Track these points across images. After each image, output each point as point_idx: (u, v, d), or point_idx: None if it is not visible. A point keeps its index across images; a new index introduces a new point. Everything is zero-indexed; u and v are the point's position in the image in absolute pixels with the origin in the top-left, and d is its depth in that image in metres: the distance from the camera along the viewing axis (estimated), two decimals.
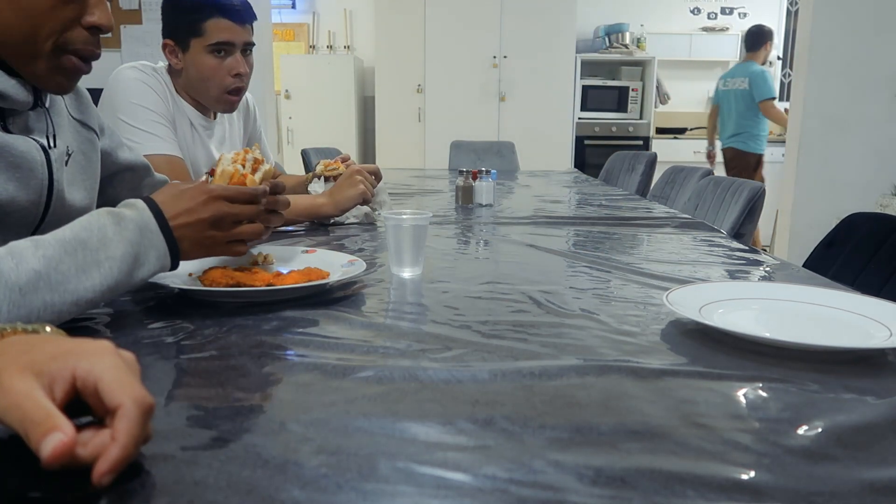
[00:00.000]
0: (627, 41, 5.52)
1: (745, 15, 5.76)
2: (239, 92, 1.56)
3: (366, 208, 1.52)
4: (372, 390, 0.59)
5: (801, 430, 0.51)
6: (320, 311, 0.82)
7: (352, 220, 1.51)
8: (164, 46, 1.52)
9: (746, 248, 1.34)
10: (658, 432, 0.51)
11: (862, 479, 0.44)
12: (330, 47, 5.72)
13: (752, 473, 0.45)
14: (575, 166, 4.92)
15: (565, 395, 0.59)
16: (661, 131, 5.55)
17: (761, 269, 1.16)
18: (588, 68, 5.41)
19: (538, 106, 5.01)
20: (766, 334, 0.68)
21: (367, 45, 5.54)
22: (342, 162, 1.59)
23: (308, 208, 1.43)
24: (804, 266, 1.20)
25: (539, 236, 1.42)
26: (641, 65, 5.51)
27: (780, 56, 5.61)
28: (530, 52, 4.93)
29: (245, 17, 1.50)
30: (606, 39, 5.53)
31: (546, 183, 2.76)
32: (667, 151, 5.33)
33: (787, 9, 5.60)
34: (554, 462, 0.46)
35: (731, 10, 5.77)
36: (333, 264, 0.98)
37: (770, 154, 4.75)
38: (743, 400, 0.58)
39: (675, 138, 5.50)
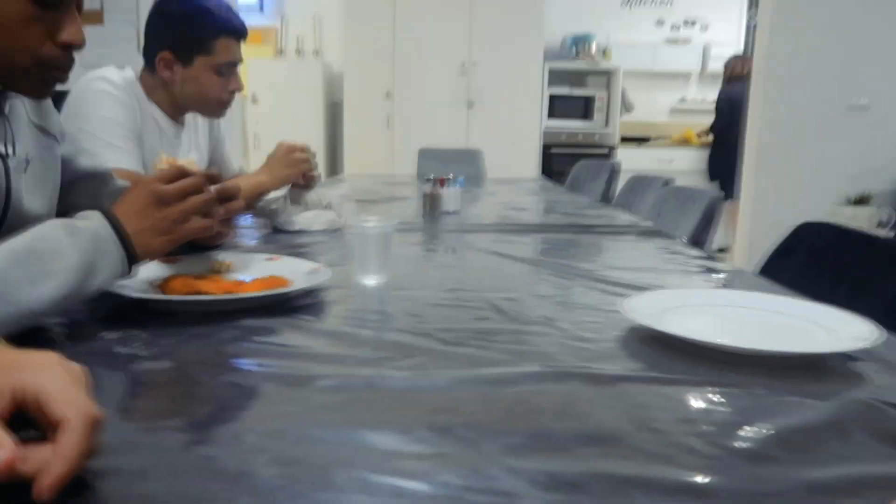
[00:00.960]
0: (594, 51, 5.61)
1: (706, 27, 5.89)
2: (230, 102, 1.57)
3: (331, 214, 1.52)
4: (330, 400, 0.59)
5: (747, 433, 0.53)
6: (281, 320, 0.82)
7: (317, 227, 1.50)
8: (160, 59, 1.48)
9: (705, 255, 1.37)
10: (612, 437, 0.52)
11: (802, 480, 0.45)
12: (298, 52, 5.69)
13: (700, 476, 0.46)
14: (542, 174, 4.96)
15: (523, 402, 0.60)
16: (625, 140, 5.63)
17: (719, 276, 1.18)
18: (555, 77, 5.47)
19: (506, 113, 5.05)
20: (719, 340, 0.70)
21: (335, 51, 5.52)
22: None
23: (253, 188, 1.49)
24: (759, 273, 1.23)
25: (505, 244, 1.43)
26: (607, 74, 5.59)
27: None
28: (499, 60, 4.97)
29: (246, 35, 1.51)
30: (574, 48, 5.61)
31: (512, 190, 2.78)
32: (631, 160, 5.41)
33: (747, 24, 5.75)
34: (509, 468, 0.46)
35: (694, 23, 5.89)
36: (296, 272, 0.97)
37: None
38: (694, 405, 0.59)
39: (640, 147, 5.59)
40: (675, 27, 5.88)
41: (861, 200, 3.37)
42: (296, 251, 1.27)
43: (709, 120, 5.71)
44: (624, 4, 5.84)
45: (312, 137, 5.20)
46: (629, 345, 0.76)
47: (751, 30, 5.60)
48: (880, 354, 0.70)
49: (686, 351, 0.71)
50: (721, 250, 5.27)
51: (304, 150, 1.58)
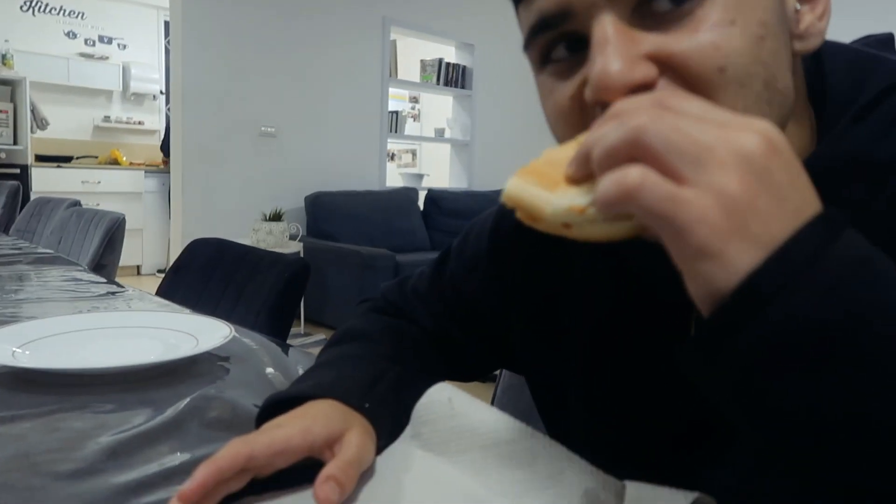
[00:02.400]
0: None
1: (124, 46, 5.77)
2: None
3: None
4: None
5: (81, 453, 0.52)
6: None
7: None
8: None
9: (104, 280, 1.33)
10: None
11: (117, 485, 0.47)
12: None
13: None
14: None
15: None
16: (42, 159, 5.06)
17: (118, 299, 1.16)
18: None
19: None
20: (67, 365, 0.68)
21: None
22: None
23: None
24: (157, 293, 1.26)
25: None
26: (11, 84, 4.92)
27: (163, 90, 5.82)
28: None
29: None
30: None
31: None
32: (49, 180, 4.91)
33: (165, 46, 5.87)
34: None
35: (111, 40, 5.70)
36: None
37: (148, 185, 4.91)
38: (31, 438, 0.56)
39: (59, 167, 5.10)
40: (89, 42, 5.57)
41: (275, 217, 3.83)
42: None
43: (138, 140, 5.63)
44: (26, 9, 5.22)
45: None
46: None
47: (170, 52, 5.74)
48: (231, 350, 0.80)
49: (39, 382, 0.67)
50: (161, 271, 5.25)
51: None
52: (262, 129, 4.05)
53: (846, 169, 0.42)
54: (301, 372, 0.69)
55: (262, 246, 3.56)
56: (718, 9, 0.37)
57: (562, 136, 0.43)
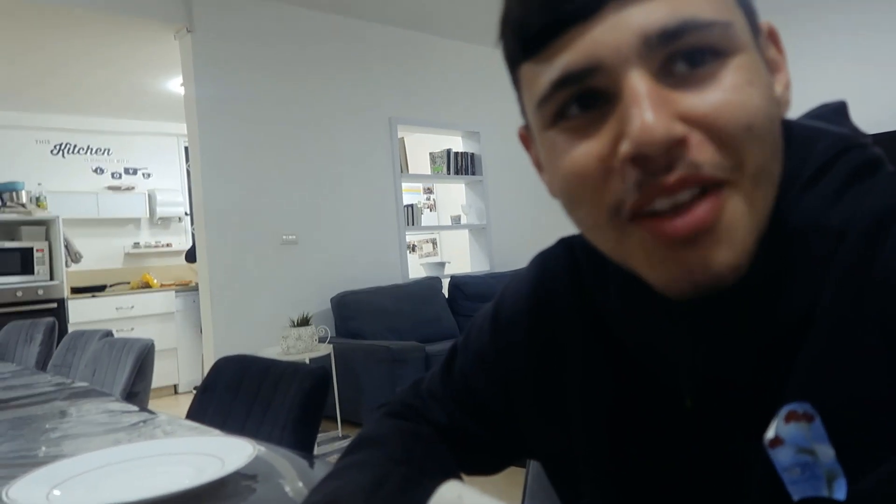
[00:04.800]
0: (25, 200, 5.13)
1: (149, 175, 6.06)
2: None
3: None
4: None
5: None
6: None
7: None
8: None
9: (136, 408, 1.36)
10: None
11: None
12: None
13: None
14: None
15: None
16: (77, 291, 5.24)
17: (150, 427, 1.19)
18: None
19: None
20: (98, 502, 0.70)
21: None
22: None
23: None
24: (187, 415, 1.28)
25: None
26: (45, 224, 5.17)
27: (187, 212, 6.06)
28: None
29: None
30: (9, 198, 5.03)
31: None
32: (85, 311, 5.07)
33: (186, 170, 6.15)
34: None
35: (136, 171, 6.00)
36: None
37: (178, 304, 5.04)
38: None
39: (94, 297, 5.27)
40: (116, 175, 5.86)
41: (303, 322, 3.88)
42: None
43: (167, 262, 5.81)
44: (56, 153, 5.56)
45: None
46: None
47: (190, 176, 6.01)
48: (257, 468, 0.81)
49: None
50: (197, 388, 5.29)
51: None
52: (284, 237, 4.18)
53: (801, 237, 0.44)
54: None
55: (293, 352, 3.59)
56: (736, 71, 0.40)
57: (578, 196, 0.43)
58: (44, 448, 1.07)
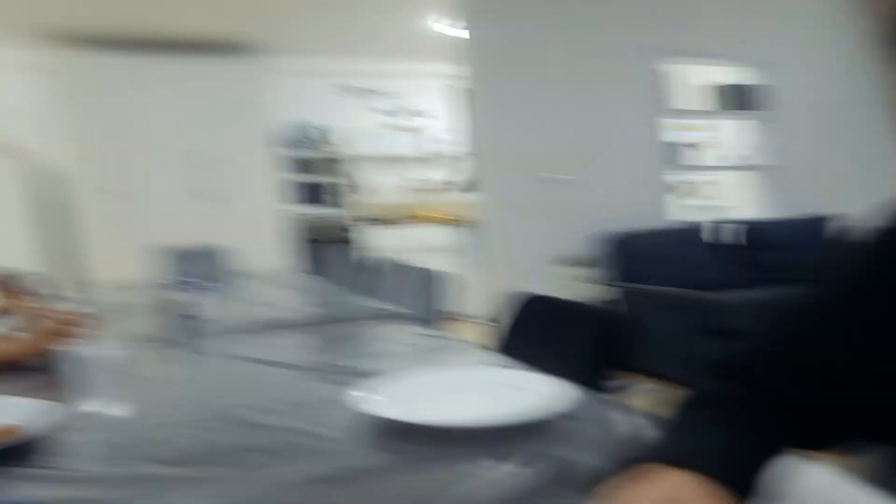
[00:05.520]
0: (322, 138, 5.87)
1: (426, 115, 6.49)
2: None
3: None
4: None
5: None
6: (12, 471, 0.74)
7: None
8: None
9: (438, 334, 1.50)
10: None
11: None
12: None
13: None
14: (291, 263, 4.96)
15: None
16: (363, 221, 5.92)
17: (459, 354, 1.31)
18: (290, 164, 5.59)
19: (245, 205, 5.03)
20: (447, 421, 0.79)
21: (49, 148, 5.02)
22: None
23: None
24: (496, 348, 1.38)
25: (263, 347, 1.42)
26: (338, 160, 5.88)
27: (462, 152, 6.39)
28: (227, 151, 4.97)
29: None
30: (304, 137, 5.82)
31: (265, 285, 2.76)
32: (371, 241, 5.70)
33: (462, 114, 6.43)
34: None
35: (416, 113, 6.46)
36: (13, 412, 0.87)
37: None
38: (433, 486, 0.67)
39: (384, 227, 5.89)
40: (391, 114, 6.35)
41: (585, 263, 3.96)
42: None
43: (446, 198, 6.21)
44: (339, 94, 6.15)
45: (14, 240, 4.62)
46: (372, 436, 0.82)
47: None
48: (579, 412, 0.85)
49: (426, 434, 0.79)
50: (472, 318, 5.69)
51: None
52: (553, 175, 4.22)
53: None
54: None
55: (569, 294, 3.66)
56: None
57: None
58: (369, 365, 1.23)
